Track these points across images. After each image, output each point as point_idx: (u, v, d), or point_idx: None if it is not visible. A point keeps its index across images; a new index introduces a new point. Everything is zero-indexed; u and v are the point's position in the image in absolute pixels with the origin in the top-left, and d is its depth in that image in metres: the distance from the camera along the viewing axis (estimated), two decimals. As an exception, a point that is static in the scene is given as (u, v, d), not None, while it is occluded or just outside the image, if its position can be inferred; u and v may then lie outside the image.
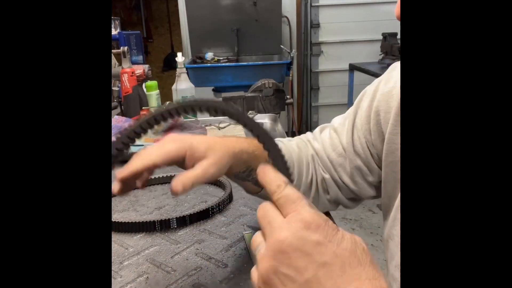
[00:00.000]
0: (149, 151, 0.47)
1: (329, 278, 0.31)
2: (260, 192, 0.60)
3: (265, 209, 0.35)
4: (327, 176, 0.67)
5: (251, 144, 0.55)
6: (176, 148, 0.47)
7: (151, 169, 0.47)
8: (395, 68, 0.62)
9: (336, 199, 0.68)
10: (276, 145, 0.41)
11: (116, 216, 0.75)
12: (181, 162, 0.48)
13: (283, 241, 0.31)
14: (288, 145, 0.67)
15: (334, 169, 0.66)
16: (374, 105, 0.61)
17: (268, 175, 0.37)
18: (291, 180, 0.38)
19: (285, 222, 0.32)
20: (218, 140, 0.51)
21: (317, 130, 0.73)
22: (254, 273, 0.34)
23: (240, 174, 0.55)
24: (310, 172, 0.66)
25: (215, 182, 0.82)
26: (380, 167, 0.62)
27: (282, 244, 0.31)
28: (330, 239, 0.31)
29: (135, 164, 0.45)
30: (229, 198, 0.79)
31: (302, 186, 0.65)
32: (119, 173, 0.45)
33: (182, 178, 0.44)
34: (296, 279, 0.31)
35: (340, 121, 0.69)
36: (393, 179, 0.59)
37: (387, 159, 0.59)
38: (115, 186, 0.46)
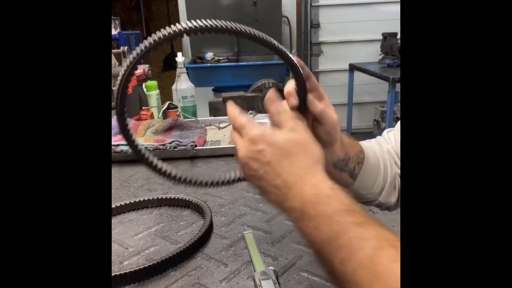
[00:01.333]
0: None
1: (273, 170, 0.45)
2: (352, 184, 0.61)
3: (231, 132, 0.50)
4: (399, 171, 0.67)
5: (346, 137, 0.59)
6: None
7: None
8: None
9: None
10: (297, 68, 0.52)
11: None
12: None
13: (241, 155, 0.47)
14: (369, 144, 0.68)
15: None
16: None
17: (229, 110, 0.50)
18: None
19: (241, 142, 0.47)
20: None
21: (384, 133, 0.74)
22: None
23: (340, 162, 0.58)
24: (393, 167, 0.67)
25: (196, 209, 0.78)
26: None
27: (241, 156, 0.47)
28: (267, 145, 0.45)
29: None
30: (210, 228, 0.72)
31: (389, 178, 0.65)
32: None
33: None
34: (256, 174, 0.46)
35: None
36: None
37: None
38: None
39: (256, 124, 0.47)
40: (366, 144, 0.66)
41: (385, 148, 0.69)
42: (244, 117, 0.49)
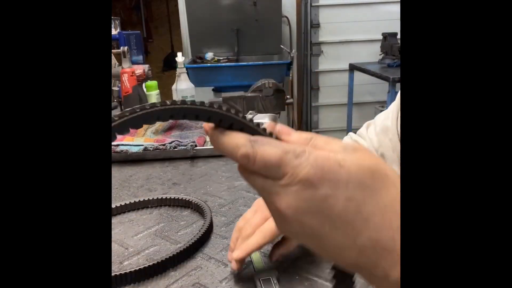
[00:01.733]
0: (265, 229, 0.53)
1: (347, 225, 0.28)
2: None
3: (249, 179, 0.30)
4: None
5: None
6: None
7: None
8: None
9: None
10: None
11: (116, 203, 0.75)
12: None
13: (287, 209, 0.28)
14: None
15: None
16: None
17: (223, 139, 0.30)
18: (262, 132, 0.31)
19: (282, 188, 0.28)
20: None
21: (363, 128, 0.72)
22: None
23: None
24: None
25: (196, 209, 0.78)
26: None
27: (287, 212, 0.28)
28: (336, 185, 0.27)
29: (253, 245, 0.52)
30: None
31: None
32: (236, 253, 0.53)
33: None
34: (313, 235, 0.29)
35: (384, 117, 0.68)
36: None
37: None
38: (234, 265, 0.54)
39: (300, 149, 0.28)
40: None
41: None
42: (276, 146, 0.28)
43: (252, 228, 0.56)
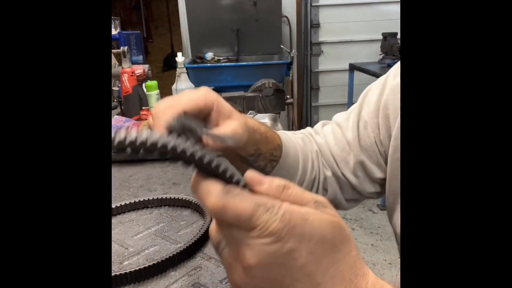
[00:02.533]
0: (176, 98, 0.42)
1: (308, 276, 0.30)
2: None
3: (224, 233, 0.32)
4: (329, 173, 0.65)
5: (262, 125, 0.53)
6: (205, 97, 0.43)
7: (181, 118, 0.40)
8: None
9: (333, 199, 0.66)
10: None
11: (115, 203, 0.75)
12: (206, 115, 0.44)
13: (252, 259, 0.29)
14: (293, 138, 0.65)
15: (336, 164, 0.64)
16: (383, 99, 0.60)
17: (200, 186, 0.31)
18: (237, 182, 0.32)
19: (251, 239, 0.29)
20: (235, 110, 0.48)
21: (318, 125, 0.71)
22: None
23: (248, 157, 0.52)
24: (314, 169, 0.64)
25: (196, 209, 0.78)
26: (387, 164, 0.60)
27: (252, 262, 0.29)
28: (301, 239, 0.29)
29: (165, 114, 0.39)
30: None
31: (305, 182, 0.63)
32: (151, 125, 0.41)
33: (219, 130, 0.43)
34: (277, 286, 0.30)
35: (343, 116, 0.67)
36: (399, 176, 0.58)
37: (394, 155, 0.58)
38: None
39: (270, 204, 0.29)
40: (290, 139, 0.62)
41: (314, 147, 0.66)
42: (248, 198, 0.29)
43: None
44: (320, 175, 0.65)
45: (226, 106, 0.45)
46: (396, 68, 0.61)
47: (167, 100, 0.42)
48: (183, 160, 0.31)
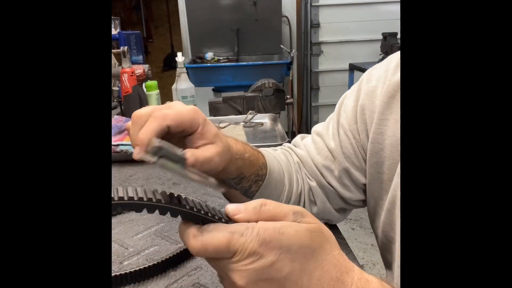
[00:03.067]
0: (163, 112, 0.41)
1: (295, 284, 0.32)
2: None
3: (211, 263, 0.34)
4: (313, 184, 0.64)
5: (247, 149, 0.53)
6: (192, 118, 0.42)
7: (164, 132, 0.41)
8: (375, 68, 0.61)
9: (323, 210, 0.65)
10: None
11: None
12: (187, 134, 0.43)
13: (240, 281, 0.32)
14: (275, 154, 0.64)
15: (320, 173, 0.63)
16: (359, 104, 0.59)
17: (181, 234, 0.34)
18: (210, 218, 0.35)
19: (234, 264, 0.32)
20: (221, 133, 0.47)
21: (297, 138, 0.70)
22: None
23: (230, 180, 0.52)
24: (299, 182, 0.64)
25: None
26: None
27: (241, 283, 0.32)
28: (280, 251, 0.31)
29: (151, 126, 0.39)
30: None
31: (293, 196, 0.63)
32: (135, 140, 0.40)
33: (196, 153, 0.41)
34: None
35: (322, 126, 0.67)
36: (377, 180, 0.57)
37: (371, 159, 0.57)
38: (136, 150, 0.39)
39: (244, 227, 0.32)
40: (272, 155, 0.62)
41: (295, 159, 0.65)
42: (222, 230, 0.32)
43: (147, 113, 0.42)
44: (305, 186, 0.64)
45: (212, 131, 0.44)
46: (369, 73, 0.61)
47: (149, 109, 0.42)
48: (161, 209, 0.34)
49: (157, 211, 0.34)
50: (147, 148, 0.38)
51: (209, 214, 0.34)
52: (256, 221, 0.33)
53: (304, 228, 0.33)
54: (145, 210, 0.34)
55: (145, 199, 0.33)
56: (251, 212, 0.34)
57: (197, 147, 0.44)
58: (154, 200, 0.34)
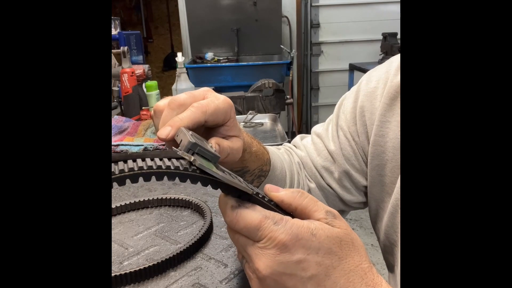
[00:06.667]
0: (203, 104, 0.40)
1: (318, 286, 0.32)
2: None
3: (234, 237, 0.35)
4: (312, 185, 0.64)
5: (254, 143, 0.52)
6: (226, 109, 0.42)
7: (200, 125, 0.40)
8: (375, 70, 0.61)
9: None
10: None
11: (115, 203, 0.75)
12: (215, 126, 0.43)
13: (264, 270, 0.32)
14: (278, 153, 0.64)
15: (320, 174, 0.63)
16: (358, 105, 0.59)
17: (219, 201, 0.35)
18: (246, 197, 0.35)
19: (260, 250, 0.32)
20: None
21: (297, 138, 0.70)
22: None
23: (233, 172, 0.52)
24: (300, 183, 0.63)
25: (196, 209, 0.77)
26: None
27: (265, 272, 0.32)
28: (309, 251, 0.32)
29: (190, 116, 0.38)
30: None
31: None
32: (167, 121, 0.39)
33: (223, 143, 0.41)
34: None
35: (322, 127, 0.67)
36: (379, 182, 0.57)
37: (373, 162, 0.57)
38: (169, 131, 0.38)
39: (279, 217, 0.32)
40: (275, 152, 0.62)
41: (296, 159, 0.65)
42: (258, 211, 0.33)
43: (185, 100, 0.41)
44: (304, 188, 0.64)
45: (238, 123, 0.45)
46: (368, 75, 0.61)
47: (189, 98, 0.40)
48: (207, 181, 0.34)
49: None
50: (176, 137, 0.38)
51: (254, 191, 0.35)
52: (290, 205, 0.34)
53: (335, 235, 0.33)
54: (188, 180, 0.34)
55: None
56: (288, 195, 0.34)
57: (222, 137, 0.43)
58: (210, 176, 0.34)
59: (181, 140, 0.37)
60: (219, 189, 0.35)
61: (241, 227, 0.33)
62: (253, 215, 0.32)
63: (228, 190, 0.34)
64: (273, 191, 0.35)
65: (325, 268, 0.32)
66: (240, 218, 0.33)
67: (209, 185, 0.34)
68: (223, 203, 0.34)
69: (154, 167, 0.33)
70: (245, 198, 0.34)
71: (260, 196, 0.35)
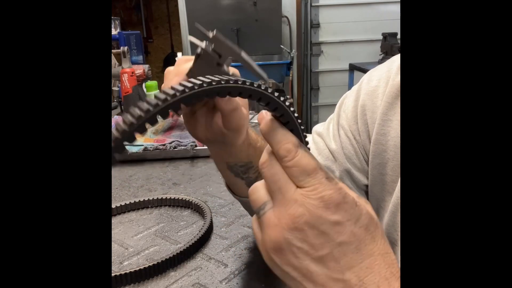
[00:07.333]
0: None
1: (344, 256, 0.30)
2: (246, 199, 0.55)
3: (274, 172, 0.32)
4: None
5: (259, 139, 0.53)
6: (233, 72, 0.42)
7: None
8: (376, 69, 0.61)
9: None
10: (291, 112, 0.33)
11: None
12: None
13: (299, 217, 0.30)
14: None
15: None
16: (360, 104, 0.59)
17: (277, 132, 0.32)
18: (305, 143, 0.34)
19: (302, 197, 0.30)
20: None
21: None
22: (258, 230, 0.33)
23: (237, 167, 0.51)
24: None
25: (196, 209, 0.78)
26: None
27: (299, 220, 0.30)
28: (349, 217, 0.30)
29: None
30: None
31: None
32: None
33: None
34: (310, 253, 0.30)
35: (323, 127, 0.67)
36: (380, 181, 0.57)
37: (374, 161, 0.57)
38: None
39: (333, 175, 0.31)
40: None
41: None
42: (315, 159, 0.32)
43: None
44: None
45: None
46: (369, 74, 0.61)
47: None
48: (267, 99, 0.32)
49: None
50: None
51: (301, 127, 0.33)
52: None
53: (374, 216, 0.32)
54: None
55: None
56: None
57: (228, 110, 0.43)
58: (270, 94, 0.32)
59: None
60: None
61: (294, 165, 0.31)
62: (311, 160, 0.31)
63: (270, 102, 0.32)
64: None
65: (357, 241, 0.30)
66: (297, 156, 0.31)
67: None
68: (282, 135, 0.32)
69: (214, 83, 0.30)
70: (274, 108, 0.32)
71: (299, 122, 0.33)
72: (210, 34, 0.36)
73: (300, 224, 0.30)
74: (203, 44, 0.36)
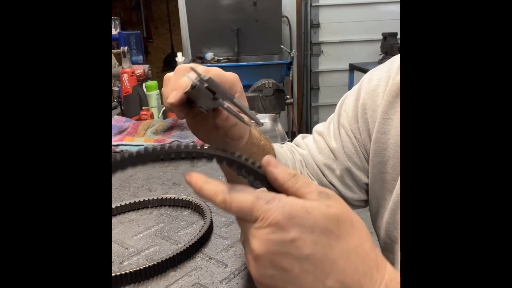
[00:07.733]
0: (204, 68, 0.41)
1: (316, 267, 0.31)
2: None
3: (239, 222, 0.34)
4: (314, 182, 0.64)
5: (262, 138, 0.53)
6: (233, 80, 0.43)
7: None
8: (376, 69, 0.61)
9: None
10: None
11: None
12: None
13: (258, 249, 0.31)
14: (282, 151, 0.65)
15: (321, 172, 0.63)
16: (360, 103, 0.59)
17: (205, 188, 0.33)
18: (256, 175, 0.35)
19: (256, 230, 0.31)
20: None
21: (298, 137, 0.70)
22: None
23: None
24: None
25: (196, 209, 0.78)
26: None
27: (259, 251, 0.31)
28: (303, 230, 0.30)
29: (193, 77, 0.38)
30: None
31: None
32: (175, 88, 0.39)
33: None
34: (285, 276, 0.31)
35: (323, 126, 0.67)
36: (380, 180, 0.57)
37: (375, 159, 0.57)
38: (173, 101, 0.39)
39: (271, 196, 0.32)
40: (279, 150, 0.62)
41: (298, 157, 0.66)
42: (249, 192, 0.32)
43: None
44: None
45: (246, 100, 0.45)
46: (370, 74, 0.61)
47: (192, 64, 0.42)
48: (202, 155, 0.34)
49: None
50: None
51: (250, 161, 0.35)
52: (282, 186, 0.33)
53: (332, 213, 0.31)
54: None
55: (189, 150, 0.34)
56: (285, 174, 0.33)
57: (228, 127, 0.43)
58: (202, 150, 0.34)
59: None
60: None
61: (235, 211, 0.32)
62: (245, 197, 0.32)
63: (222, 159, 0.34)
64: (271, 165, 0.34)
65: (322, 248, 0.30)
66: (233, 202, 0.32)
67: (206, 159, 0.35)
68: (211, 189, 0.33)
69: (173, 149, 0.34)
70: (238, 167, 0.34)
71: (256, 165, 0.35)
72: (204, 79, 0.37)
73: (264, 254, 0.31)
74: (197, 82, 0.37)
